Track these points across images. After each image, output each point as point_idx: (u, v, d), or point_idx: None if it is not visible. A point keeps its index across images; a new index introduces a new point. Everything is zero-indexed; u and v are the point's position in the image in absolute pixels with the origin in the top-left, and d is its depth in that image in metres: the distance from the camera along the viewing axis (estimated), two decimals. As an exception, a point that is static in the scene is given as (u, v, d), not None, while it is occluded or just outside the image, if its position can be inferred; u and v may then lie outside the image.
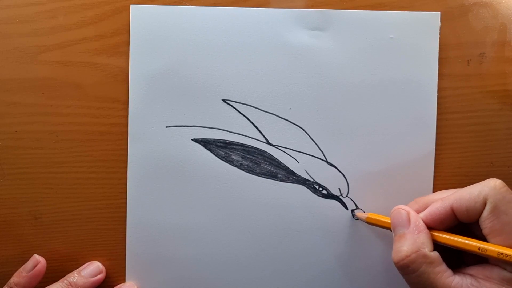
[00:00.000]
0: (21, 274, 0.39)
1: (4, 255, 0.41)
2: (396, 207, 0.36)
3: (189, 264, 0.41)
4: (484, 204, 0.32)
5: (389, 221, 0.36)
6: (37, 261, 0.39)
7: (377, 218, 0.38)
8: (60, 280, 0.39)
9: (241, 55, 0.40)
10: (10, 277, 0.39)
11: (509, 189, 0.32)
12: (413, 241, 0.33)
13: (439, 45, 0.40)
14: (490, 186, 0.32)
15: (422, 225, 0.34)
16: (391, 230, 0.36)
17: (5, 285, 0.39)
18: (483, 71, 0.40)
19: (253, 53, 0.40)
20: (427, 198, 0.37)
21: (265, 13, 0.40)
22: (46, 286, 0.39)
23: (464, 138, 0.40)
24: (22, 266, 0.39)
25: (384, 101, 0.40)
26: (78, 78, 0.40)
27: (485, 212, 0.32)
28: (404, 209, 0.35)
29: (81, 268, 0.40)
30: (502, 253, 0.31)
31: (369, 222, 0.39)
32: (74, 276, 0.39)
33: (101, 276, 0.40)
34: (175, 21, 0.40)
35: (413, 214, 0.35)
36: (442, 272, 0.32)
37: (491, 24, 0.40)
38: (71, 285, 0.38)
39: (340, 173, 0.40)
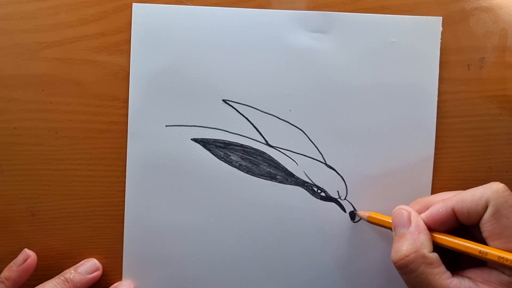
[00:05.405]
0: (11, 269, 0.39)
1: (0, 252, 0.41)
2: (398, 207, 0.36)
3: (186, 263, 0.41)
4: (486, 207, 0.32)
5: (390, 221, 0.36)
6: (28, 255, 0.39)
7: (379, 217, 0.38)
8: (56, 277, 0.39)
9: (242, 56, 0.40)
10: (6, 274, 0.39)
11: (511, 193, 0.32)
12: (412, 241, 0.33)
13: (440, 49, 0.40)
14: (492, 189, 0.32)
15: (422, 226, 0.34)
16: (391, 230, 0.36)
17: None
18: (483, 76, 0.40)
19: (254, 54, 0.40)
20: (429, 199, 0.37)
21: (266, 14, 0.40)
22: (43, 282, 0.38)
23: (463, 142, 0.40)
24: (13, 261, 0.39)
25: (384, 104, 0.40)
26: (79, 75, 0.40)
27: (486, 215, 0.32)
28: (405, 209, 0.36)
29: (77, 265, 0.40)
30: (503, 257, 0.31)
31: (371, 221, 0.39)
32: (70, 273, 0.39)
33: (97, 273, 0.40)
34: (177, 21, 0.40)
35: (414, 214, 0.35)
36: (441, 274, 0.32)
37: (492, 29, 0.40)
38: (67, 282, 0.38)
39: (338, 176, 0.40)
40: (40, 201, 0.41)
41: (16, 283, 0.38)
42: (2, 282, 0.38)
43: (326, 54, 0.40)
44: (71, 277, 0.39)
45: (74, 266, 0.40)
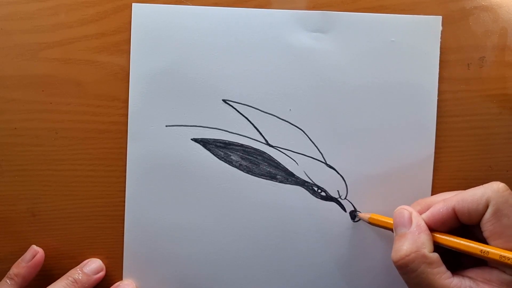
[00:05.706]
0: (20, 265, 0.39)
1: (1, 252, 0.41)
2: (399, 207, 0.36)
3: (186, 263, 0.41)
4: (486, 207, 0.32)
5: (391, 222, 0.36)
6: (36, 251, 0.40)
7: (380, 218, 0.38)
8: (64, 277, 0.39)
9: (242, 56, 0.40)
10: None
11: (511, 192, 0.32)
12: (413, 241, 0.33)
13: (440, 48, 0.40)
14: (493, 189, 0.32)
15: (423, 226, 0.34)
16: (393, 231, 0.36)
17: (5, 277, 0.39)
18: (483, 75, 0.40)
19: (254, 53, 0.40)
20: (430, 200, 0.37)
21: (266, 14, 0.40)
22: (43, 282, 0.39)
23: (464, 141, 0.40)
24: (21, 257, 0.39)
25: (384, 103, 0.40)
26: (79, 75, 0.40)
27: (487, 215, 0.32)
28: (407, 209, 0.36)
29: (82, 264, 0.40)
30: (504, 256, 0.31)
31: (372, 223, 0.39)
32: (78, 273, 0.39)
33: (102, 274, 0.40)
34: (177, 21, 0.40)
35: (415, 214, 0.35)
36: (441, 274, 0.32)
37: (491, 28, 0.40)
38: (76, 282, 0.38)
39: (339, 175, 0.40)
40: (40, 202, 0.41)
41: (26, 279, 0.39)
42: (12, 278, 0.38)
43: (326, 54, 0.40)
44: (79, 277, 0.39)
45: (79, 266, 0.40)
